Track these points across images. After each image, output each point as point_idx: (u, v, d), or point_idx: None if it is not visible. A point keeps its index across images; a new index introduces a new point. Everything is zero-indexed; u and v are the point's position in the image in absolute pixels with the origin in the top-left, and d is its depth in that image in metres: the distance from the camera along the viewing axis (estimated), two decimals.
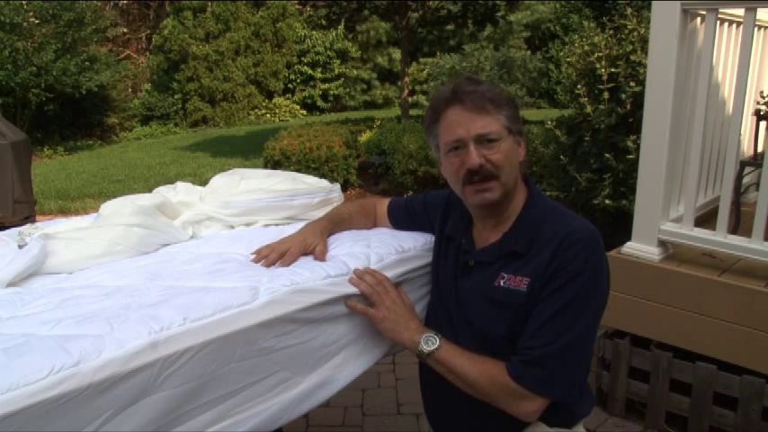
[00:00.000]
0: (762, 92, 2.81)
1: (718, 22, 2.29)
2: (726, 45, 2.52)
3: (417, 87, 15.98)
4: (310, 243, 1.35)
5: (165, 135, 14.74)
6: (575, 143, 3.88)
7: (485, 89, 1.23)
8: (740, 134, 2.29)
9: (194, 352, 1.02)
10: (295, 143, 6.68)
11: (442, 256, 1.38)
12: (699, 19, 2.33)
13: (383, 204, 1.60)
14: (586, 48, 3.80)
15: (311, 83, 17.40)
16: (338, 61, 17.43)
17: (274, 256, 1.31)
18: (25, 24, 11.47)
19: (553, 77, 13.77)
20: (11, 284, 1.29)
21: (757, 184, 2.46)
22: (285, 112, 16.73)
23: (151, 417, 0.98)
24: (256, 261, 1.32)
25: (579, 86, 3.73)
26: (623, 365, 2.51)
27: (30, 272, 1.34)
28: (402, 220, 1.55)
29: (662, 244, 2.43)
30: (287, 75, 17.10)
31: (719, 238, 2.28)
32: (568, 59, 4.02)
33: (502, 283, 1.22)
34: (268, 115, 16.55)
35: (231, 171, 1.90)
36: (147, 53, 18.37)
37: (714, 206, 2.46)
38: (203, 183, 1.94)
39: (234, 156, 9.90)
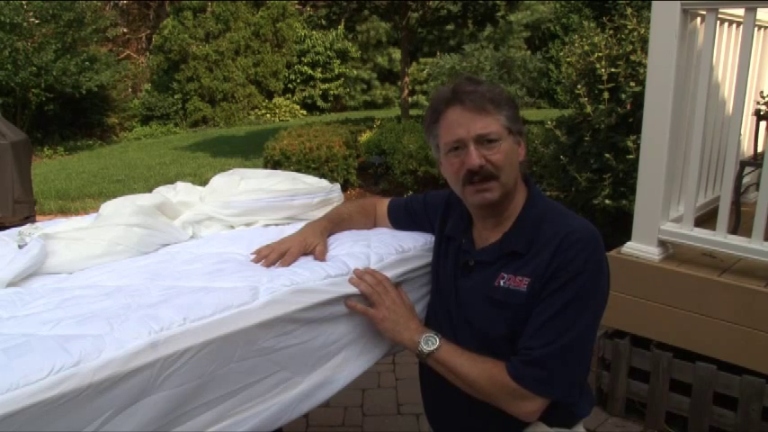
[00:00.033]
0: (762, 92, 2.81)
1: (718, 22, 2.29)
2: (726, 45, 2.52)
3: (417, 87, 15.96)
4: (310, 243, 1.35)
5: (165, 135, 14.73)
6: (575, 143, 3.88)
7: (485, 89, 1.23)
8: (740, 134, 2.29)
9: (194, 352, 1.02)
10: (295, 143, 6.67)
11: (442, 256, 1.38)
12: (699, 19, 2.33)
13: (383, 204, 1.60)
14: (586, 48, 3.80)
15: (311, 83, 17.39)
16: (338, 61, 17.42)
17: (274, 256, 1.31)
18: (25, 24, 11.46)
19: (553, 77, 13.77)
20: (11, 284, 1.29)
21: (757, 184, 2.46)
22: (285, 112, 16.72)
23: (151, 417, 0.98)
24: (256, 261, 1.32)
25: (579, 86, 3.73)
26: (623, 365, 2.51)
27: (30, 272, 1.34)
28: (402, 220, 1.55)
29: (662, 244, 2.43)
30: (287, 75, 17.09)
31: (719, 238, 2.28)
32: (568, 59, 4.02)
33: (502, 283, 1.22)
34: (268, 115, 16.55)
35: (231, 171, 1.90)
36: (147, 53, 18.36)
37: (714, 206, 2.46)
38: (203, 183, 1.94)
39: (234, 156, 9.89)
